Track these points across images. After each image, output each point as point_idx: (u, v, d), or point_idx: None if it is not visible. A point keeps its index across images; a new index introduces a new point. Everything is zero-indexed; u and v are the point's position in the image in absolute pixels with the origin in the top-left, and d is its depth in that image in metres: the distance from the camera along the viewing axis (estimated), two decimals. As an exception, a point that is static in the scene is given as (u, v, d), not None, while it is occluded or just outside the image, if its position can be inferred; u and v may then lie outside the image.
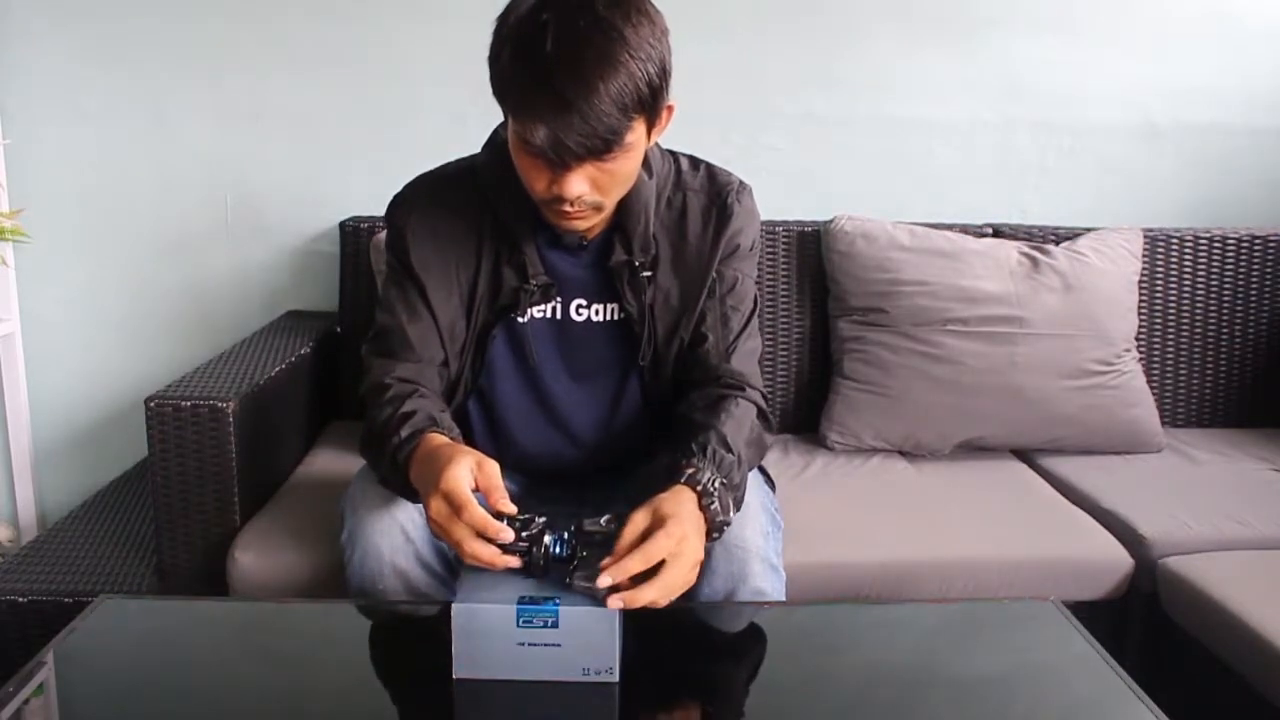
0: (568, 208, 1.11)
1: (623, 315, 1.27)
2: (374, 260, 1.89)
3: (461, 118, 1.96)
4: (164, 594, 1.48)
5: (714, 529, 1.08)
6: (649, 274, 1.25)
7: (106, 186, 2.04)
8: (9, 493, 2.10)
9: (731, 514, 1.11)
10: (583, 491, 1.37)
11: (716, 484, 1.08)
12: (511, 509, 0.99)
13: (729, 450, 1.14)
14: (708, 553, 1.12)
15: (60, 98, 2.00)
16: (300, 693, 1.00)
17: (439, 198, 1.27)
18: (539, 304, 1.26)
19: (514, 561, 0.97)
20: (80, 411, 2.13)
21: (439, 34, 2.00)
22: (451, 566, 1.22)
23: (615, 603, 0.94)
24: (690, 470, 1.09)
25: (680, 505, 1.04)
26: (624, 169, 1.11)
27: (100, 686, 1.00)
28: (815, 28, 2.07)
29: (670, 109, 1.14)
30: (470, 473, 1.01)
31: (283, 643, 1.10)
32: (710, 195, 1.28)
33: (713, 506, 1.07)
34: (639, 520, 1.01)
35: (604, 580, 0.94)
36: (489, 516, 0.97)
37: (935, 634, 1.14)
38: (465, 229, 1.25)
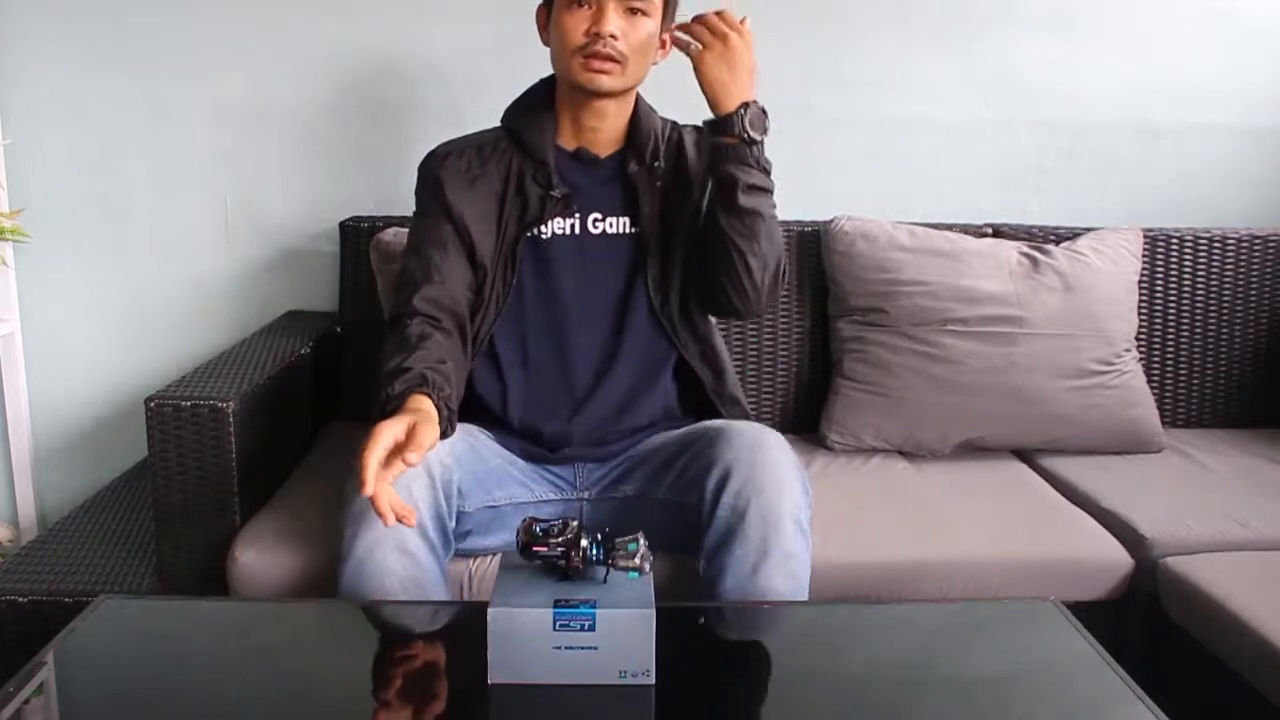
0: (600, 47, 1.31)
1: (634, 229, 1.44)
2: (374, 260, 1.89)
3: (462, 118, 1.97)
4: (164, 594, 1.48)
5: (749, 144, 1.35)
6: (660, 182, 1.44)
7: (106, 186, 2.04)
8: (9, 493, 2.10)
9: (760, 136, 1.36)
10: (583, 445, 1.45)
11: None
12: (414, 462, 1.06)
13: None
14: (745, 515, 1.22)
15: (60, 98, 2.00)
16: (300, 693, 1.00)
17: (470, 143, 1.45)
18: (560, 215, 1.41)
19: (409, 515, 1.04)
20: (80, 411, 2.12)
21: (439, 34, 1.99)
22: (449, 540, 1.26)
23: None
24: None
25: None
26: (643, 31, 1.34)
27: (100, 686, 1.00)
28: (815, 28, 2.07)
29: (668, 40, 1.39)
30: (402, 427, 1.09)
31: (283, 643, 1.10)
32: (702, 134, 1.46)
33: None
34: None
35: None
36: (371, 461, 1.04)
37: (935, 634, 1.14)
38: (494, 165, 1.43)
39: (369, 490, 1.03)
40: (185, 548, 1.49)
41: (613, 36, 1.31)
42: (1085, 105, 2.14)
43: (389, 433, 1.08)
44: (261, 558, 1.43)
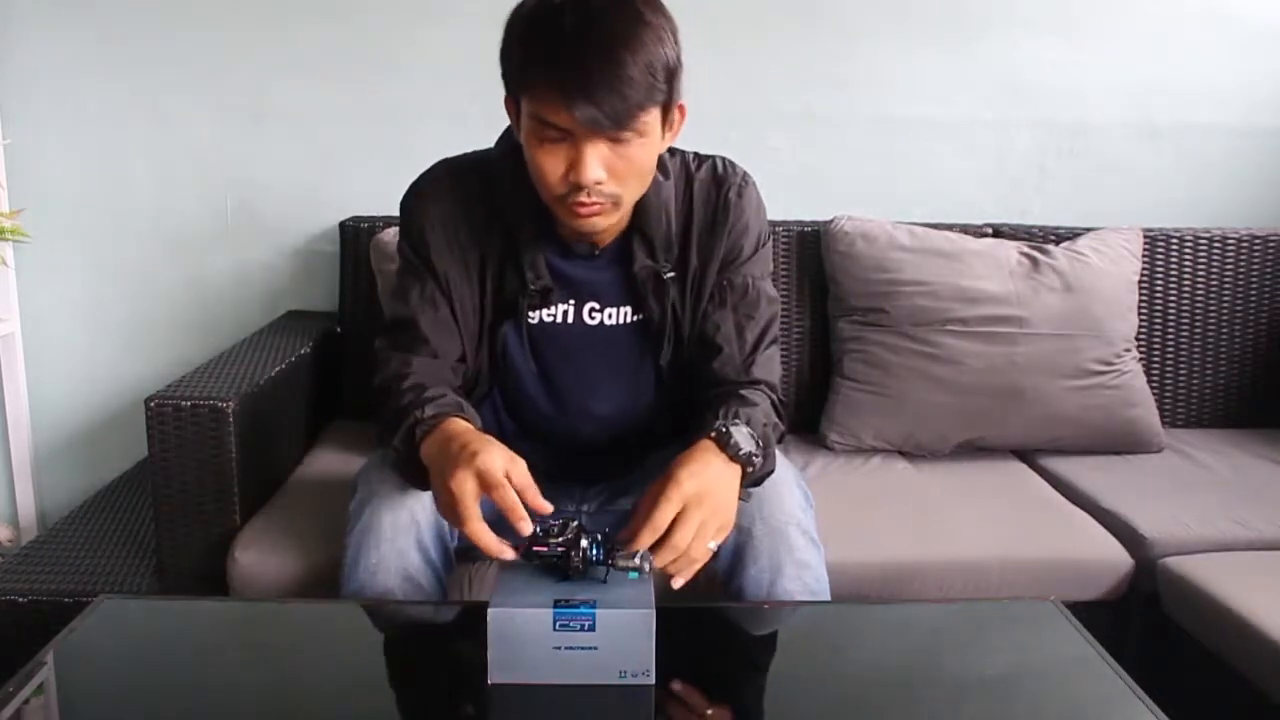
0: (584, 198, 1.09)
1: (639, 318, 1.27)
2: (374, 260, 1.89)
3: (461, 118, 1.97)
4: (164, 594, 1.48)
5: (747, 464, 1.09)
6: (673, 274, 1.25)
7: (106, 186, 2.04)
8: (9, 493, 2.10)
9: (764, 450, 1.12)
10: (592, 483, 1.39)
11: (741, 428, 1.10)
12: (548, 508, 0.99)
13: (747, 405, 1.16)
14: (751, 532, 1.15)
15: (60, 98, 2.00)
16: (300, 693, 1.00)
17: (456, 189, 1.25)
18: (541, 307, 1.25)
19: (508, 553, 0.98)
20: (80, 411, 2.13)
21: (439, 34, 2.00)
22: (450, 561, 1.23)
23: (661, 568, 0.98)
24: (707, 426, 1.10)
25: (694, 462, 1.05)
26: (639, 157, 1.10)
27: (100, 686, 1.00)
28: (815, 28, 2.07)
29: (682, 110, 1.15)
30: (503, 464, 0.99)
31: (283, 643, 1.10)
32: (711, 191, 1.27)
33: (732, 442, 1.08)
34: (653, 491, 1.02)
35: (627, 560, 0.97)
36: (518, 501, 0.98)
37: (935, 634, 1.14)
38: (479, 222, 1.23)
39: (505, 554, 0.98)
40: (185, 548, 1.49)
41: (598, 183, 1.08)
42: (1085, 105, 2.14)
43: (470, 494, 0.98)
44: (261, 558, 1.43)
